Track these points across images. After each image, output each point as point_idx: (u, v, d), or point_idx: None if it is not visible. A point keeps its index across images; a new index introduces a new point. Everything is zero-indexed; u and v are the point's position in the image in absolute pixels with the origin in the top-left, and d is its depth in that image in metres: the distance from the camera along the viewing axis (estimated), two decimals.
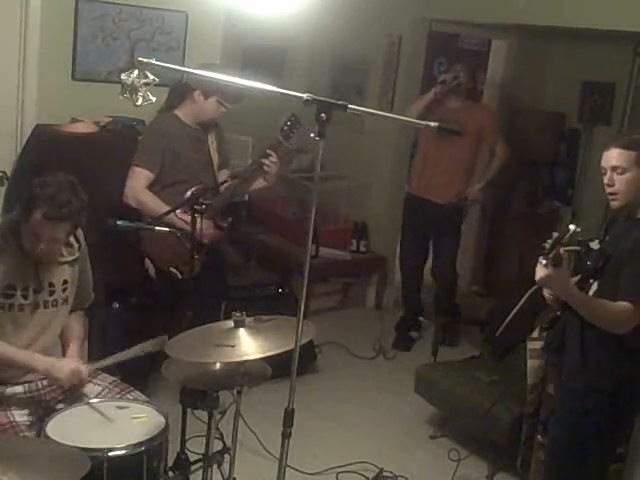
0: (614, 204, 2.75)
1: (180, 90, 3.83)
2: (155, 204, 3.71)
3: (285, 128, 3.75)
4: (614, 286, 2.69)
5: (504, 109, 6.34)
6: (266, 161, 3.77)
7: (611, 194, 2.73)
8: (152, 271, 3.89)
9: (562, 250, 2.63)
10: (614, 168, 2.70)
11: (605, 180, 2.74)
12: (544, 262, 2.60)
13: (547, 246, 2.61)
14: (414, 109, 4.98)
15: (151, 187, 3.78)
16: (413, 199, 5.36)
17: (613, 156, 2.71)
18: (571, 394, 2.89)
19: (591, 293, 2.78)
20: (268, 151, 3.77)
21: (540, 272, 2.65)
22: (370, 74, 5.97)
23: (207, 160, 3.93)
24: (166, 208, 3.61)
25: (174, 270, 3.69)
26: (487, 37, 6.86)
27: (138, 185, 3.75)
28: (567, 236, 2.56)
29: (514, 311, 2.92)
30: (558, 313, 2.89)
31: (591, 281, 2.79)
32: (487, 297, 6.23)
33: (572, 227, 2.58)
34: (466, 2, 5.29)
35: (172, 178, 3.79)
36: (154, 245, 3.75)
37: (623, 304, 2.64)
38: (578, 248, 2.76)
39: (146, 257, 3.87)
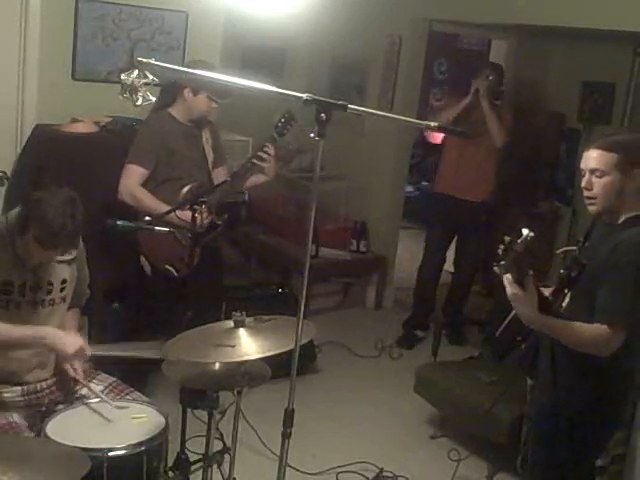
0: (591, 209, 2.60)
1: (171, 89, 3.84)
2: (151, 201, 3.73)
3: (279, 125, 3.77)
4: (588, 300, 2.53)
5: (504, 109, 6.34)
6: (262, 154, 3.77)
7: (588, 198, 2.58)
8: (147, 268, 3.90)
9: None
10: (593, 171, 2.54)
11: (583, 183, 2.58)
12: (498, 270, 2.38)
13: (500, 252, 2.37)
14: (446, 116, 5.01)
15: (145, 184, 3.79)
16: (441, 197, 5.39)
17: (592, 157, 2.54)
18: (543, 412, 2.79)
19: (565, 304, 2.64)
20: (265, 145, 3.78)
21: (507, 289, 2.47)
22: (370, 74, 5.97)
23: (201, 157, 3.95)
24: (161, 205, 3.62)
25: (169, 268, 3.69)
26: (487, 37, 6.88)
27: (132, 182, 3.76)
28: (520, 241, 2.33)
29: (514, 311, 2.89)
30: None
31: (565, 291, 2.65)
32: (487, 297, 6.23)
33: (525, 231, 2.33)
34: (466, 2, 5.29)
35: (166, 175, 3.81)
36: (149, 243, 3.75)
37: (601, 327, 2.45)
38: (574, 248, 2.71)
39: (141, 255, 3.88)
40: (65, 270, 2.84)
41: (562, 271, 2.64)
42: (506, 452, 3.75)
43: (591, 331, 2.47)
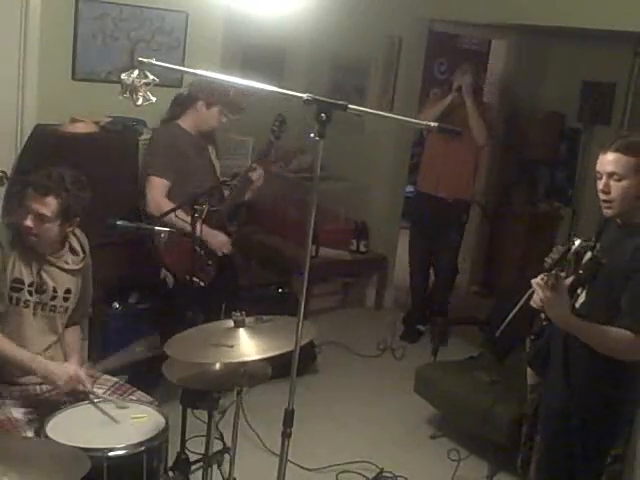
0: (608, 212, 2.55)
1: (182, 100, 3.99)
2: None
3: (275, 128, 3.92)
4: (605, 299, 2.53)
5: (504, 109, 6.34)
6: (254, 175, 3.96)
7: (606, 201, 2.53)
8: (170, 280, 3.91)
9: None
10: (610, 174, 2.49)
11: (600, 186, 2.53)
12: (543, 280, 2.38)
13: (549, 261, 2.40)
14: (430, 114, 5.00)
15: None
16: (421, 196, 5.46)
17: (610, 161, 2.49)
18: (553, 413, 2.79)
19: (579, 303, 2.62)
20: (253, 165, 3.99)
21: (539, 294, 2.46)
22: (370, 74, 5.97)
23: (210, 166, 4.06)
24: (186, 219, 3.60)
25: (195, 279, 3.67)
26: (487, 37, 6.87)
27: (159, 195, 3.83)
28: (573, 251, 2.36)
29: (514, 311, 2.88)
30: (544, 323, 2.72)
31: (579, 291, 2.63)
32: (487, 297, 6.23)
33: (578, 241, 2.38)
34: (466, 2, 5.29)
35: (181, 185, 3.84)
36: (171, 255, 3.77)
37: (625, 332, 2.44)
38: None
39: (163, 268, 3.90)
40: (70, 280, 2.90)
41: (580, 272, 2.60)
42: (506, 452, 3.74)
43: (615, 335, 2.46)
